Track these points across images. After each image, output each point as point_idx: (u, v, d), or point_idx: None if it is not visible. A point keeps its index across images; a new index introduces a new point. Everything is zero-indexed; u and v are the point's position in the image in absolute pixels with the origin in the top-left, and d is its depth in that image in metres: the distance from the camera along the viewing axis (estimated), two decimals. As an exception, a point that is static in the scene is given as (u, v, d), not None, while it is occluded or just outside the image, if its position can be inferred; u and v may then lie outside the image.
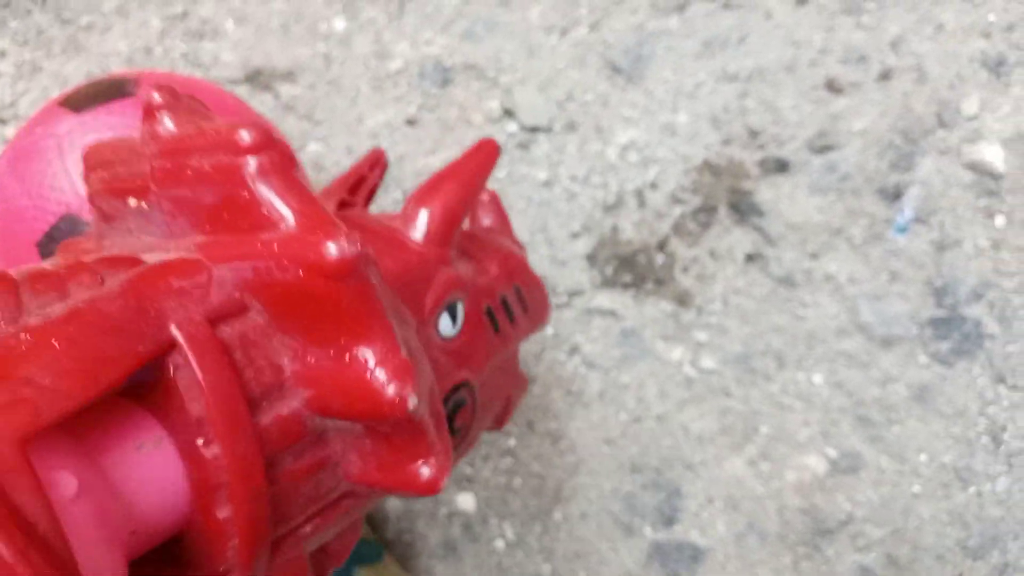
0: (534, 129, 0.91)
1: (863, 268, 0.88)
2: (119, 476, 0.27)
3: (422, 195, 0.45)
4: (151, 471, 0.28)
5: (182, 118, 0.36)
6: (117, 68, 0.87)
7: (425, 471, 0.34)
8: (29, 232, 0.62)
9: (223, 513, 0.28)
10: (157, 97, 0.36)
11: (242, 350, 0.31)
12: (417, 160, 0.89)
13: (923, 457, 0.83)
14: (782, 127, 0.92)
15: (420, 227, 0.43)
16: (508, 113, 0.91)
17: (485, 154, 0.48)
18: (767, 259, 0.88)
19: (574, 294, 0.86)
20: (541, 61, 0.93)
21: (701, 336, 0.86)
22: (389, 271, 0.39)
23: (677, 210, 0.90)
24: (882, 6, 0.96)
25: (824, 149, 0.91)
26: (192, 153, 0.33)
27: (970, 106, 0.92)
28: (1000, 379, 0.85)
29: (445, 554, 0.78)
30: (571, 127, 0.91)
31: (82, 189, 0.61)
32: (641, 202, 0.90)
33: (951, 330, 0.86)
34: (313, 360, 0.32)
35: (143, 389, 0.29)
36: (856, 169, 0.91)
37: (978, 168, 0.90)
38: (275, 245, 0.31)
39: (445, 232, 0.44)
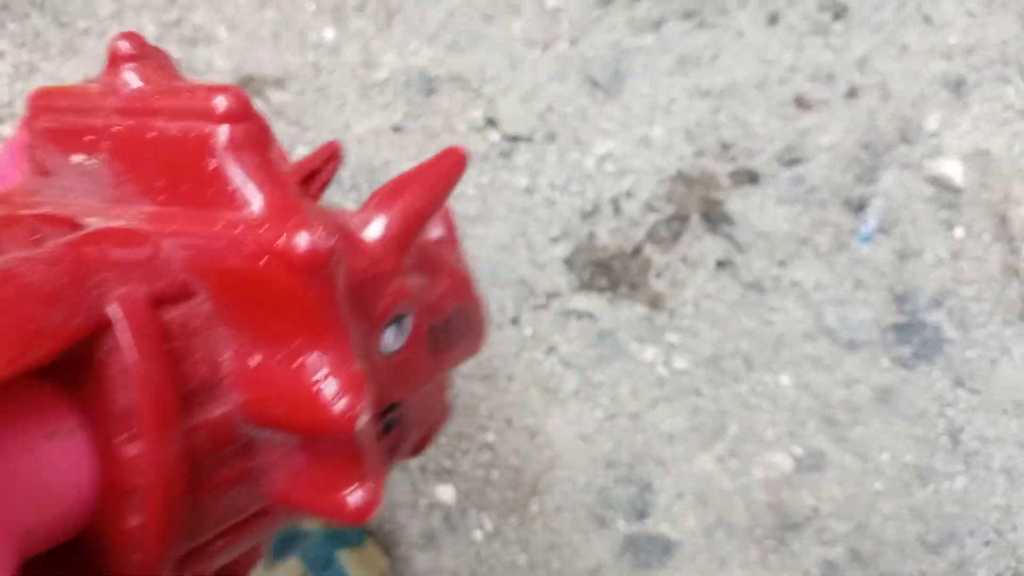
0: (515, 138, 0.95)
1: (828, 275, 0.92)
2: (21, 466, 0.23)
3: (383, 196, 0.42)
4: (58, 465, 0.25)
5: (151, 73, 0.33)
6: (112, 71, 0.90)
7: (356, 497, 0.31)
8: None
9: (133, 521, 0.25)
10: (125, 45, 0.33)
11: (182, 339, 0.29)
12: (402, 165, 0.92)
13: (885, 456, 0.87)
14: (752, 141, 0.96)
15: (377, 230, 0.40)
16: (491, 122, 0.95)
17: (451, 163, 0.45)
18: (737, 266, 0.92)
19: (552, 296, 0.89)
20: (523, 74, 0.97)
21: (673, 338, 0.89)
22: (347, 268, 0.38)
23: (651, 218, 0.93)
24: (849, 27, 1.01)
25: (792, 162, 0.96)
26: (158, 114, 0.31)
27: (931, 123, 0.96)
28: (959, 382, 0.89)
29: (425, 544, 0.80)
30: (551, 137, 0.95)
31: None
32: (617, 210, 0.93)
33: (912, 335, 0.90)
34: (258, 361, 0.30)
35: (64, 370, 0.25)
36: (823, 181, 0.95)
37: (938, 182, 0.95)
38: (239, 227, 0.28)
39: (403, 239, 0.41)
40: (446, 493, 0.83)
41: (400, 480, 0.82)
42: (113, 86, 0.33)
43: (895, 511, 0.85)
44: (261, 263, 0.28)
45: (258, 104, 0.89)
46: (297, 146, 0.91)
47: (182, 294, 0.29)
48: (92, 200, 0.32)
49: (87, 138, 0.33)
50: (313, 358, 0.29)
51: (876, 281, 0.92)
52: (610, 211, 0.93)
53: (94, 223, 0.30)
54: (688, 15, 1.00)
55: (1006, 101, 0.97)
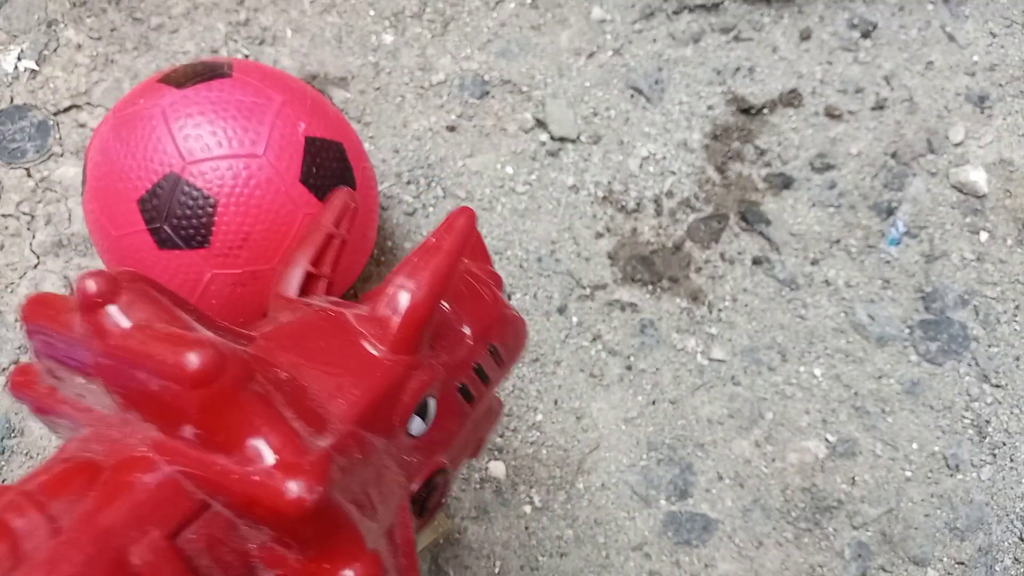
0: (563, 139, 0.99)
1: (859, 275, 0.97)
2: None
3: (393, 292, 0.41)
4: None
5: (132, 310, 0.33)
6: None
7: None
8: (132, 190, 0.68)
9: None
10: (93, 287, 0.32)
11: (208, 552, 0.31)
12: (456, 162, 0.96)
13: (914, 445, 0.90)
14: (786, 147, 1.01)
15: (391, 335, 0.40)
16: (540, 124, 1.00)
17: (460, 230, 0.43)
18: (772, 263, 0.96)
19: (597, 288, 0.94)
20: (570, 80, 1.02)
21: (712, 330, 0.93)
22: (358, 402, 0.37)
23: (691, 217, 0.98)
24: (877, 44, 1.06)
25: (824, 168, 1.00)
26: (137, 367, 0.31)
27: (956, 134, 1.01)
28: (984, 378, 0.93)
29: (478, 516, 0.83)
30: (596, 139, 1.00)
31: (185, 153, 0.68)
32: (658, 208, 0.98)
33: (939, 332, 0.94)
34: (281, 551, 0.32)
35: None
36: (853, 187, 1.00)
37: (964, 189, 0.99)
38: (232, 475, 0.30)
39: (416, 335, 0.41)
40: (498, 469, 0.86)
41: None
42: (95, 329, 0.33)
43: (924, 497, 0.88)
44: (260, 505, 0.30)
45: (322, 100, 0.94)
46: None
47: (199, 509, 0.31)
48: (103, 410, 0.35)
49: (84, 366, 0.34)
50: (327, 557, 0.32)
51: (904, 281, 0.96)
52: (652, 209, 0.97)
53: (110, 459, 0.32)
54: (725, 29, 1.06)
55: (1027, 115, 1.02)
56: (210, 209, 0.66)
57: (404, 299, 0.40)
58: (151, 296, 0.34)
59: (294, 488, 0.29)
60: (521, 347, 0.55)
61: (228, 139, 0.67)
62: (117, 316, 0.32)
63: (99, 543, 0.28)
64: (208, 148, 0.67)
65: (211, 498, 0.31)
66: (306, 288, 0.53)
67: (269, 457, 0.30)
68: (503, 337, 0.52)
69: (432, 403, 0.43)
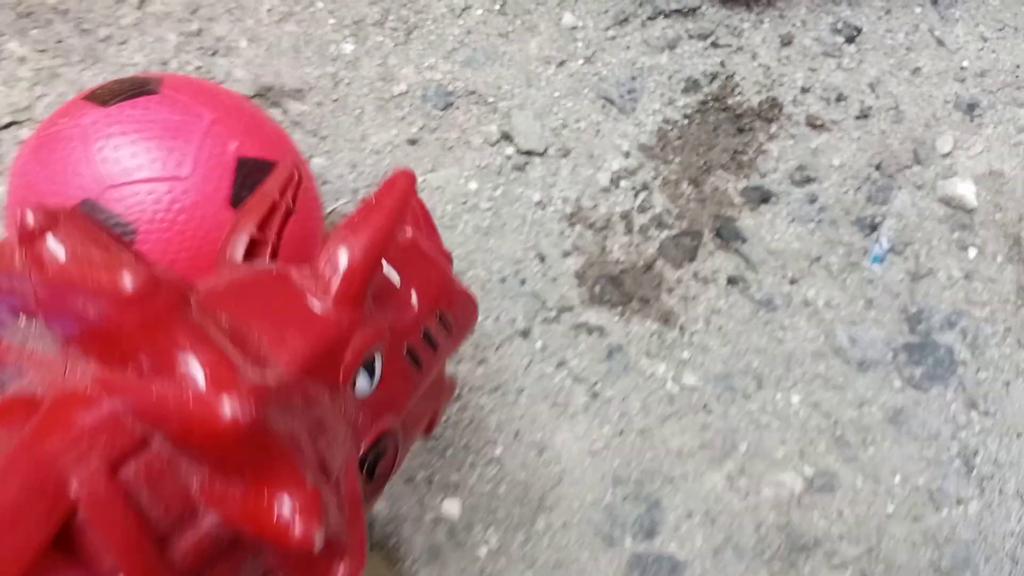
0: (530, 153, 0.93)
1: (840, 294, 0.90)
2: None
3: (332, 251, 0.41)
4: None
5: (69, 239, 0.33)
6: (132, 79, 0.89)
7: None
8: (43, 216, 0.63)
9: None
10: (31, 220, 0.33)
11: (148, 487, 0.31)
12: (418, 177, 0.90)
13: (897, 478, 0.84)
14: (765, 159, 0.95)
15: (333, 289, 0.40)
16: (506, 137, 0.94)
17: (399, 190, 0.44)
18: (748, 283, 0.90)
19: (563, 310, 0.87)
20: (538, 90, 0.96)
21: (684, 354, 0.87)
22: (300, 351, 0.37)
23: (663, 234, 0.92)
24: (861, 50, 1.00)
25: (804, 181, 0.94)
26: (76, 293, 0.31)
27: (944, 144, 0.94)
28: (972, 405, 0.86)
29: (429, 559, 0.77)
30: (564, 152, 0.94)
31: (104, 177, 0.63)
32: (629, 225, 0.92)
33: (924, 356, 0.88)
34: (220, 488, 0.32)
35: (66, 536, 0.29)
36: (834, 201, 0.93)
37: (951, 203, 0.93)
38: (168, 400, 0.30)
39: (357, 290, 0.41)
40: (452, 507, 0.80)
41: (406, 493, 0.80)
42: (33, 260, 0.33)
43: (907, 535, 0.82)
44: (196, 429, 0.29)
45: (276, 114, 0.88)
46: (314, 156, 0.90)
47: (138, 445, 0.31)
48: (48, 348, 0.34)
49: (25, 303, 0.34)
50: (267, 492, 0.32)
51: (888, 301, 0.89)
52: (622, 226, 0.91)
53: (49, 394, 0.32)
54: (702, 36, 0.99)
55: (1019, 123, 0.95)
56: (129, 237, 0.61)
57: (343, 255, 0.41)
58: (89, 229, 0.34)
59: (227, 407, 0.29)
60: (471, 319, 0.55)
61: (150, 161, 0.61)
62: (55, 246, 0.32)
63: (37, 471, 0.28)
64: (128, 171, 0.61)
65: (151, 429, 0.31)
66: (251, 254, 0.51)
67: (202, 379, 0.30)
68: (451, 306, 0.52)
69: (378, 361, 0.43)
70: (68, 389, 0.32)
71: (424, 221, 0.61)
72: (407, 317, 0.47)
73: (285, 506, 0.31)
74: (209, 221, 0.62)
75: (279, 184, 0.55)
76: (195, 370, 0.30)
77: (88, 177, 0.61)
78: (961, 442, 0.84)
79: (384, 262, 0.49)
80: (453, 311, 0.52)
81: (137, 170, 0.61)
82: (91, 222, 0.35)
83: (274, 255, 0.53)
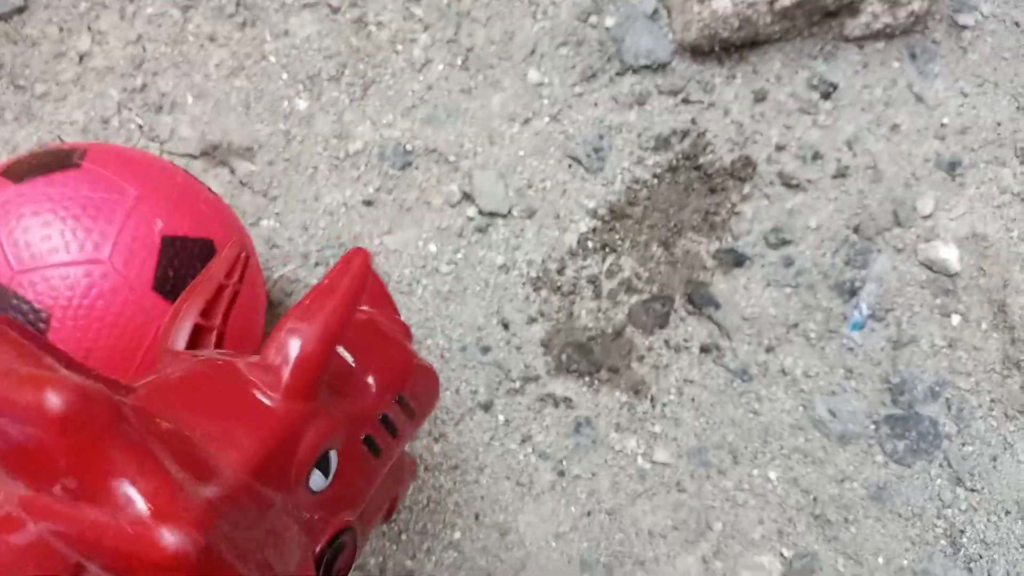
0: (493, 214, 0.89)
1: (819, 363, 0.86)
2: None
3: (283, 340, 0.38)
4: None
5: None
6: (71, 138, 0.84)
7: None
8: (-52, 299, 0.58)
9: None
10: None
11: None
12: (373, 239, 0.85)
13: (880, 559, 0.79)
14: (738, 220, 0.91)
15: (283, 382, 0.38)
16: (467, 197, 0.89)
17: (355, 271, 0.41)
18: (723, 351, 0.85)
19: (528, 380, 0.82)
20: (502, 148, 0.92)
21: (655, 427, 0.82)
22: (249, 453, 0.35)
23: (633, 299, 0.87)
24: (837, 106, 0.96)
25: (780, 243, 0.90)
26: (1, 414, 0.29)
27: (925, 205, 0.91)
28: (958, 481, 0.82)
29: (380, 655, 0.72)
30: (529, 213, 0.89)
31: (14, 261, 0.58)
32: (597, 290, 0.87)
33: (907, 429, 0.83)
34: None
35: None
36: (812, 264, 0.89)
37: (934, 267, 0.89)
38: (105, 529, 0.28)
39: (312, 381, 0.38)
40: (407, 598, 0.74)
41: (359, 580, 0.74)
42: None
43: (893, 622, 0.77)
44: (137, 561, 0.28)
45: (223, 173, 0.84)
46: (263, 218, 0.85)
47: (74, 573, 0.29)
48: None
49: None
50: None
51: (869, 370, 0.85)
52: (590, 291, 0.87)
53: None
54: (673, 92, 0.95)
55: (1002, 184, 0.92)
56: (42, 325, 0.56)
57: (295, 345, 0.38)
58: (12, 339, 0.32)
59: (170, 538, 0.27)
60: (433, 398, 0.53)
61: (65, 243, 0.57)
62: None
63: None
64: (41, 255, 0.56)
65: (85, 559, 0.29)
66: (196, 341, 0.49)
67: (141, 505, 0.28)
68: (412, 387, 0.49)
69: (334, 456, 0.40)
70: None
71: (379, 295, 0.58)
72: (365, 403, 0.44)
73: None
74: (131, 307, 0.57)
75: (226, 264, 0.52)
76: (134, 498, 0.28)
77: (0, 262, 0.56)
78: (947, 520, 0.79)
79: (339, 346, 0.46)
80: (414, 391, 0.49)
81: (50, 253, 0.56)
82: (17, 330, 0.32)
83: (219, 342, 0.50)
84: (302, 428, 0.38)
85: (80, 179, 0.60)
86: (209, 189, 0.68)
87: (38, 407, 0.27)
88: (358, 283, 0.41)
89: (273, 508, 0.35)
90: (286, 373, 0.38)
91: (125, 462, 0.28)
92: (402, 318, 0.83)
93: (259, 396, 0.37)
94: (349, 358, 0.46)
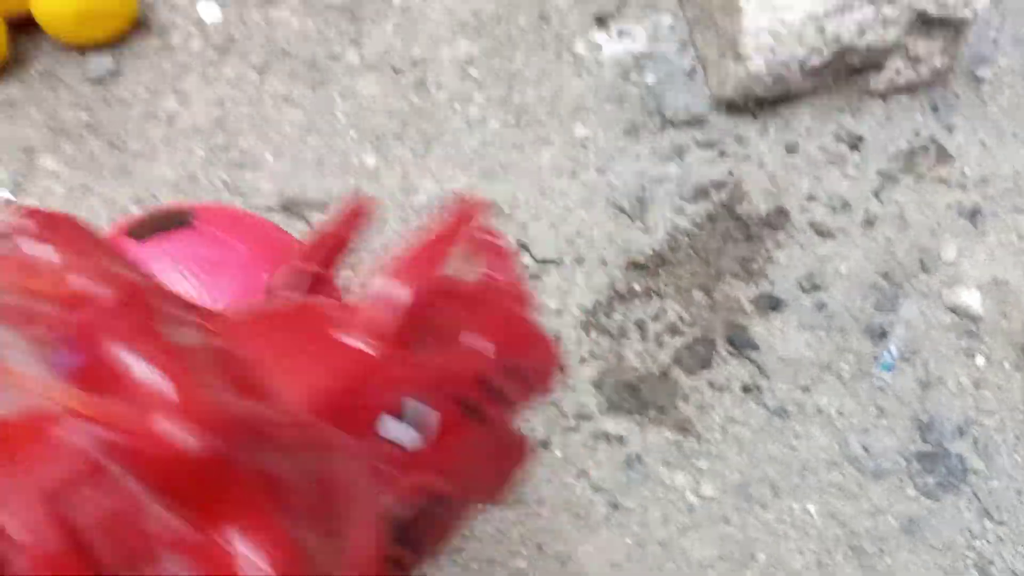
0: (545, 261, 0.95)
1: (852, 402, 0.91)
2: None
3: (378, 282, 0.37)
4: None
5: (59, 244, 0.31)
6: (163, 193, 0.91)
7: None
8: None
9: None
10: (24, 223, 0.31)
11: (99, 523, 0.27)
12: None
13: (914, 588, 0.84)
14: (774, 266, 0.97)
15: (371, 323, 0.36)
16: (522, 246, 0.96)
17: (463, 222, 0.41)
18: (762, 391, 0.91)
19: (582, 418, 0.88)
20: (552, 200, 0.98)
21: (702, 464, 0.88)
22: (316, 386, 0.34)
23: (677, 341, 0.93)
24: (864, 157, 1.03)
25: (813, 288, 0.96)
26: (50, 299, 0.29)
27: (949, 253, 0.97)
28: (986, 514, 0.87)
29: (453, 675, 0.78)
30: (579, 260, 0.96)
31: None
32: (643, 333, 0.93)
33: (937, 464, 0.89)
34: (187, 531, 0.28)
35: None
36: (843, 308, 0.95)
37: (958, 311, 0.94)
38: (122, 421, 0.27)
39: (399, 326, 0.37)
40: (476, 622, 0.80)
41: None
42: (5, 262, 0.31)
43: (926, 646, 0.82)
44: (144, 454, 0.26)
45: (301, 226, 0.91)
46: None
47: (99, 475, 0.27)
48: (29, 369, 0.31)
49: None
50: (235, 538, 0.28)
51: (899, 409, 0.91)
52: (637, 334, 0.93)
53: (10, 411, 0.29)
54: (709, 144, 1.02)
55: (1021, 231, 0.97)
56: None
57: (389, 289, 0.37)
58: (85, 236, 0.32)
59: (178, 432, 0.26)
60: (549, 369, 0.48)
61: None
62: (51, 238, 0.30)
63: None
64: (165, 310, 0.63)
65: (104, 456, 0.27)
66: (299, 287, 0.48)
67: (158, 399, 0.26)
68: (520, 352, 0.46)
69: (424, 410, 0.38)
70: (35, 408, 0.29)
71: (499, 258, 0.56)
72: (468, 365, 0.42)
73: (251, 556, 0.28)
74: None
75: (346, 218, 0.52)
76: (153, 388, 0.27)
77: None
78: (976, 552, 0.84)
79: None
80: (526, 360, 0.46)
81: (176, 308, 0.62)
82: (88, 232, 0.33)
83: (324, 290, 0.50)
84: (385, 373, 0.36)
85: (195, 239, 0.66)
86: (301, 243, 0.74)
87: (86, 295, 0.28)
88: (457, 230, 0.40)
89: (338, 450, 0.33)
90: (373, 315, 0.36)
91: (153, 355, 0.28)
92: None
93: (341, 336, 0.36)
94: (456, 313, 0.44)
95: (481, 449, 0.42)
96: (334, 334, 0.36)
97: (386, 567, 0.37)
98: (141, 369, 0.27)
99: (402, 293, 0.36)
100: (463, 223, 0.41)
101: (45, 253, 0.30)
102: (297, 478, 0.30)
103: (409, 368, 0.38)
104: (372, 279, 0.37)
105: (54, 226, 0.31)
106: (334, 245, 0.50)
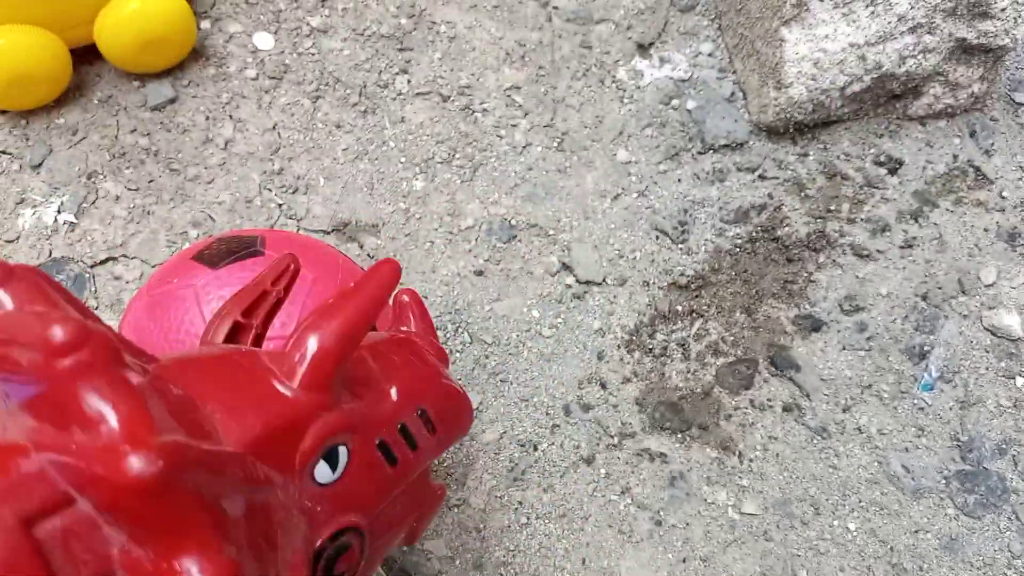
0: (589, 282, 0.98)
1: (892, 422, 0.94)
2: None
3: (303, 334, 0.40)
4: None
5: (20, 293, 0.33)
6: (220, 217, 0.95)
7: None
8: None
9: None
10: None
11: (63, 547, 0.30)
12: (484, 306, 0.96)
13: (955, 606, 0.86)
14: (815, 288, 1.00)
15: (299, 372, 0.39)
16: (566, 267, 0.99)
17: (381, 279, 0.43)
18: (803, 410, 0.94)
19: (625, 436, 0.91)
20: (595, 222, 1.02)
21: (743, 481, 0.90)
22: (250, 428, 0.36)
23: (719, 361, 0.96)
24: (903, 181, 1.05)
25: (853, 310, 0.98)
26: (9, 343, 0.31)
27: (988, 275, 0.99)
28: (1026, 533, 0.89)
29: None
30: (621, 281, 0.99)
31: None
32: (686, 352, 0.96)
33: (977, 484, 0.91)
34: (139, 555, 0.31)
35: None
36: (883, 329, 0.98)
37: (998, 332, 0.97)
38: (87, 453, 0.29)
39: (325, 375, 0.40)
40: (524, 634, 0.83)
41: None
42: None
43: (967, 664, 0.84)
44: (104, 481, 0.29)
45: (353, 248, 0.94)
46: (384, 287, 0.95)
47: (61, 503, 0.30)
48: None
49: None
50: (183, 555, 0.31)
51: (939, 428, 0.93)
52: (679, 353, 0.96)
53: None
54: (750, 169, 1.05)
55: (1059, 255, 1.00)
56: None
57: (313, 340, 0.40)
58: (39, 287, 0.34)
59: (135, 461, 0.28)
60: (461, 421, 0.53)
61: (258, 322, 0.67)
62: (2, 297, 0.33)
63: None
64: (237, 331, 0.66)
65: (73, 488, 0.30)
66: (233, 338, 0.51)
67: (115, 430, 0.29)
68: (436, 404, 0.50)
69: (343, 452, 0.42)
70: (2, 441, 0.31)
71: (421, 318, 0.59)
72: (383, 410, 0.46)
73: (195, 575, 0.30)
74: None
75: (274, 272, 0.55)
76: (110, 421, 0.29)
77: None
78: (1017, 571, 0.86)
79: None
80: (438, 409, 0.50)
81: (248, 330, 0.66)
82: (47, 280, 0.35)
83: (257, 341, 0.53)
84: (310, 418, 0.39)
85: (264, 264, 0.70)
86: (360, 268, 0.78)
87: (42, 337, 0.30)
88: (382, 289, 0.43)
89: (270, 486, 0.37)
90: (302, 365, 0.39)
91: (111, 390, 0.30)
92: (511, 378, 0.93)
93: (273, 383, 0.39)
94: (372, 363, 0.48)
95: (391, 486, 0.46)
96: (269, 381, 0.40)
97: None
98: (97, 403, 0.30)
99: (329, 344, 0.40)
100: (387, 282, 0.44)
101: (3, 299, 0.33)
102: (238, 510, 0.33)
103: (335, 417, 0.41)
104: (302, 331, 0.40)
105: (10, 276, 0.34)
106: (266, 301, 0.53)
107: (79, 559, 0.30)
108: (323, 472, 0.41)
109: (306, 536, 0.39)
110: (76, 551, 0.30)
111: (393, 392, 0.47)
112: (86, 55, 0.99)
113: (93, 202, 0.95)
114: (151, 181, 0.96)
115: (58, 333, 0.30)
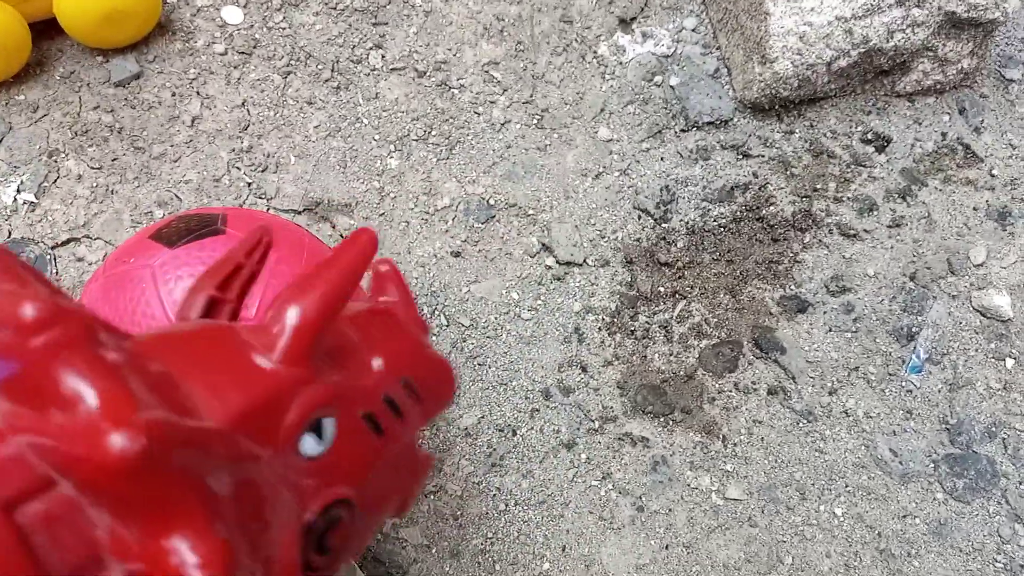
0: (569, 263, 0.97)
1: (879, 405, 0.92)
2: None
3: (281, 307, 0.40)
4: None
5: None
6: (187, 196, 0.93)
7: None
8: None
9: None
10: None
11: (47, 531, 0.29)
12: (461, 288, 0.94)
13: (943, 592, 0.85)
14: (800, 269, 0.98)
15: (279, 345, 0.39)
16: (546, 248, 0.97)
17: (359, 249, 0.43)
18: (788, 393, 0.92)
19: (606, 420, 0.90)
20: (576, 202, 1.00)
21: (727, 466, 0.89)
22: (232, 404, 0.36)
23: (703, 343, 0.94)
24: (891, 159, 1.04)
25: (840, 291, 0.97)
26: None
27: (978, 255, 0.98)
28: (1016, 517, 0.88)
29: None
30: (603, 262, 0.97)
31: (173, 316, 0.66)
32: (668, 335, 0.95)
33: (966, 468, 0.90)
34: (127, 535, 0.30)
35: None
36: (870, 311, 0.96)
37: (987, 313, 0.95)
38: (66, 433, 0.29)
39: (306, 348, 0.40)
40: (502, 624, 0.82)
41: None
42: None
43: (956, 650, 0.83)
44: (85, 461, 0.28)
45: (325, 228, 0.92)
46: (358, 268, 0.93)
47: (41, 487, 0.29)
48: None
49: None
50: (170, 539, 0.30)
51: (927, 411, 0.92)
52: (662, 336, 0.94)
53: None
54: (735, 147, 1.03)
55: (1050, 234, 0.98)
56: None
57: (293, 312, 0.40)
58: (8, 264, 0.33)
59: (116, 438, 0.27)
60: (445, 390, 0.53)
61: (218, 301, 0.65)
62: None
63: None
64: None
65: (53, 470, 0.30)
66: (210, 313, 0.50)
67: (95, 408, 0.28)
68: (420, 373, 0.50)
69: (329, 423, 0.41)
70: None
71: (400, 289, 0.58)
72: (367, 381, 0.46)
73: (186, 555, 0.30)
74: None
75: (246, 246, 0.55)
76: (89, 399, 0.29)
77: (159, 317, 0.64)
78: (1007, 555, 0.85)
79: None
80: (422, 378, 0.50)
81: (207, 310, 0.64)
82: (19, 262, 0.35)
83: (234, 316, 0.52)
84: (293, 391, 0.39)
85: (226, 244, 0.68)
86: (328, 247, 0.76)
87: (13, 314, 0.29)
88: (360, 259, 0.43)
89: (257, 462, 0.36)
90: (283, 338, 0.39)
91: (88, 368, 0.29)
92: (490, 362, 0.91)
93: (254, 357, 0.39)
94: (352, 334, 0.48)
95: (378, 457, 0.45)
96: (250, 355, 0.39)
97: (303, 571, 0.39)
98: (74, 382, 0.29)
99: (309, 316, 0.39)
100: (366, 252, 0.44)
101: None
102: (225, 488, 0.33)
103: (318, 389, 0.40)
104: (281, 303, 0.40)
105: None
106: (240, 275, 0.53)
107: (64, 543, 0.29)
108: (309, 445, 0.40)
109: (296, 511, 0.39)
110: (60, 535, 0.29)
111: (376, 363, 0.47)
112: (47, 29, 0.96)
113: (54, 181, 0.92)
114: (115, 160, 0.94)
115: (29, 311, 0.29)
